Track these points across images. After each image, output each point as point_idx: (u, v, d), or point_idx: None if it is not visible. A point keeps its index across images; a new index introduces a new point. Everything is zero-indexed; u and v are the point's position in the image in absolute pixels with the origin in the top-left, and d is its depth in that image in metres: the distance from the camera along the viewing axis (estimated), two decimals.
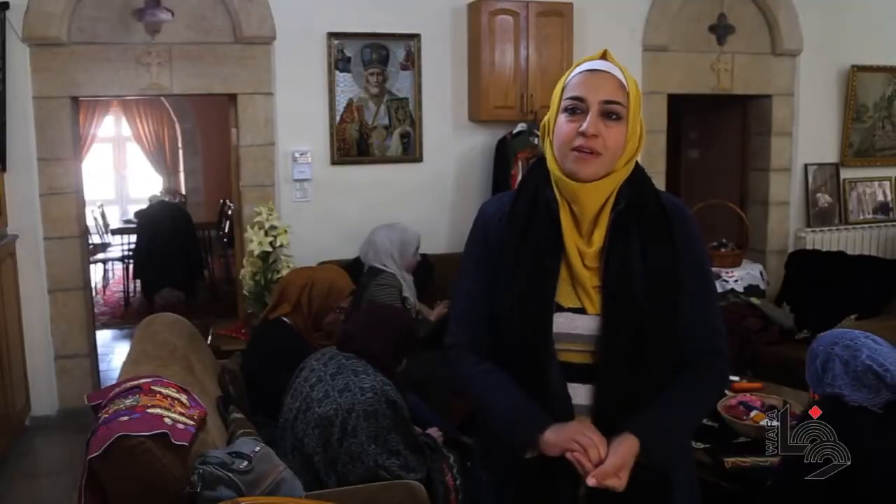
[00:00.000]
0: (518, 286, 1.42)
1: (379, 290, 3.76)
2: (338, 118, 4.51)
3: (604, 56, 1.44)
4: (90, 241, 6.21)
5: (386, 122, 4.61)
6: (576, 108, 1.40)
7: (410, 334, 2.61)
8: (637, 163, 1.46)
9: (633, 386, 1.38)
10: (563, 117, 1.41)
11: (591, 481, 1.30)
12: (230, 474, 1.83)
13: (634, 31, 4.98)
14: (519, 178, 4.18)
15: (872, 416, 1.80)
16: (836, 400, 1.85)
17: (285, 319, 2.90)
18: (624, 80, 1.41)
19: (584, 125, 1.37)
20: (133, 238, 7.13)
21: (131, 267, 7.15)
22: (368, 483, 2.22)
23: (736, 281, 4.81)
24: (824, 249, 5.25)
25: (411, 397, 2.67)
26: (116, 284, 7.99)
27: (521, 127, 4.49)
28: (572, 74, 1.43)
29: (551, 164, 1.44)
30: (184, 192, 9.87)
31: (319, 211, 4.51)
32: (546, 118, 1.47)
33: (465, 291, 1.53)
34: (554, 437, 1.36)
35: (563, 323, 1.41)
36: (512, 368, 1.43)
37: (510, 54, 4.53)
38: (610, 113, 1.38)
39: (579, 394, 1.41)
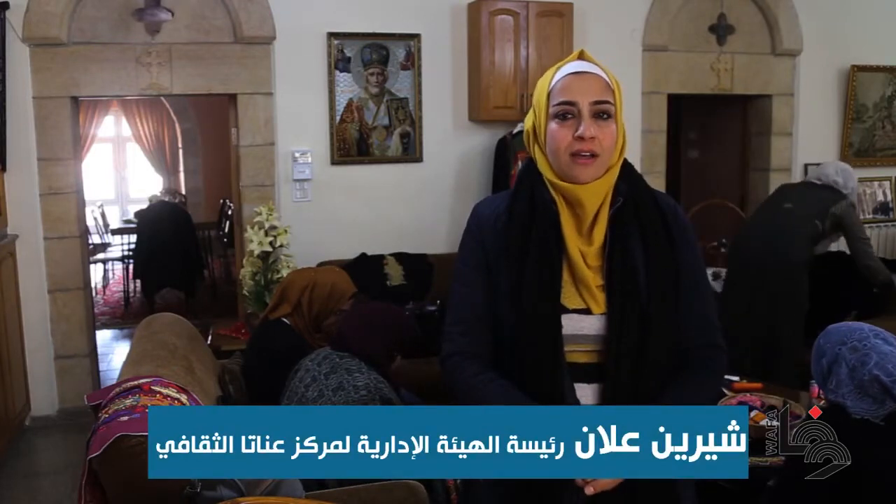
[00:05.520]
0: (525, 291, 1.40)
1: (852, 216, 3.79)
2: (338, 118, 4.51)
3: (581, 56, 1.44)
4: (90, 241, 6.22)
5: (386, 122, 4.61)
6: (567, 114, 1.39)
7: (405, 333, 2.60)
8: (625, 159, 1.46)
9: (638, 383, 1.38)
10: (554, 124, 1.40)
11: (588, 490, 1.30)
12: None
13: (634, 31, 4.97)
14: None
15: (875, 429, 1.76)
16: (838, 412, 1.80)
17: (285, 320, 2.90)
18: (608, 79, 1.41)
19: (582, 129, 1.37)
20: (133, 238, 7.14)
21: (131, 267, 7.15)
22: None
23: None
24: None
25: (406, 394, 2.66)
26: (116, 284, 7.99)
27: (521, 127, 4.48)
28: (556, 79, 1.42)
29: (545, 169, 1.44)
30: (184, 192, 9.87)
31: (319, 211, 4.51)
32: (531, 125, 1.46)
33: (461, 296, 1.49)
34: None
35: (569, 325, 1.41)
36: (518, 373, 1.41)
37: (510, 54, 4.53)
38: (602, 112, 1.39)
39: (586, 394, 1.41)
